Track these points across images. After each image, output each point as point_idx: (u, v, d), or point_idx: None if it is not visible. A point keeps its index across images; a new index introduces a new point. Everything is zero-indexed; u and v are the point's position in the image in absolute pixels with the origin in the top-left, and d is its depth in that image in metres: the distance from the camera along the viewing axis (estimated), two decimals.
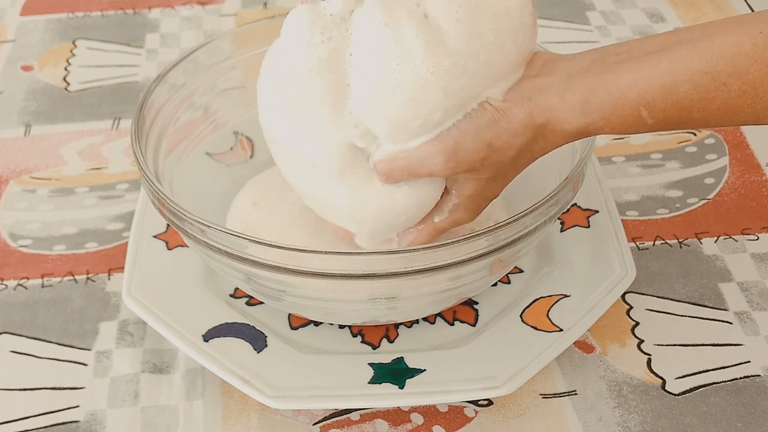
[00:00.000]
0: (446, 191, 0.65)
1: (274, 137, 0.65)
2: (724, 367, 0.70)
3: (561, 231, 0.77)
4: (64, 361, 0.72)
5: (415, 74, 0.60)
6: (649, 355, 0.71)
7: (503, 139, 0.60)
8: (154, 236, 0.77)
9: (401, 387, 0.66)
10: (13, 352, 0.73)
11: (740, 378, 0.69)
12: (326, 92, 0.61)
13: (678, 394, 0.68)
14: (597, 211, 0.78)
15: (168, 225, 0.75)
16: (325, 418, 0.68)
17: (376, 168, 0.63)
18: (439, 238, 0.67)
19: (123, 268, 0.76)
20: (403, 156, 0.62)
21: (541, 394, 0.69)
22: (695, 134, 0.91)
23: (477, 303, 0.73)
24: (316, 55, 0.61)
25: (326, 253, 0.62)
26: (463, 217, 0.66)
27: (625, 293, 0.75)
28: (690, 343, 0.72)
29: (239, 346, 0.68)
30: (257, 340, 0.69)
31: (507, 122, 0.60)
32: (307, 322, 0.72)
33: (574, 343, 0.71)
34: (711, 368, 0.70)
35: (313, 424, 0.67)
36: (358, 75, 0.61)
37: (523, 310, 0.71)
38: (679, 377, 0.70)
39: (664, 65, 0.56)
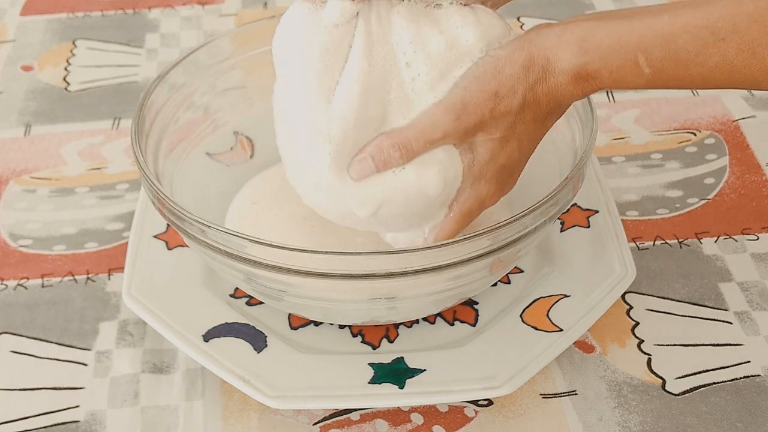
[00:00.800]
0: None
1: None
2: (724, 367, 0.70)
3: (561, 231, 0.77)
4: (64, 361, 0.72)
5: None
6: (649, 355, 0.71)
7: (508, 85, 0.60)
8: (154, 236, 0.77)
9: (401, 387, 0.66)
10: (13, 352, 0.73)
11: (740, 378, 0.69)
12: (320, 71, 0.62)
13: (678, 394, 0.68)
14: (597, 211, 0.78)
15: (168, 225, 0.75)
16: (325, 418, 0.68)
17: (389, 145, 0.62)
18: (470, 225, 0.66)
19: (123, 268, 0.76)
20: (413, 124, 0.61)
21: (541, 394, 0.69)
22: (695, 134, 0.91)
23: (477, 303, 0.73)
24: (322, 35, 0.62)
25: (326, 253, 0.62)
26: (485, 190, 0.64)
27: (625, 293, 0.75)
28: (690, 343, 0.72)
29: (239, 346, 0.68)
30: (257, 340, 0.69)
31: (510, 67, 0.60)
32: (307, 322, 0.72)
33: (574, 343, 0.71)
34: (711, 368, 0.70)
35: (313, 424, 0.67)
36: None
37: (523, 310, 0.71)
38: (679, 377, 0.70)
39: (665, 18, 0.57)
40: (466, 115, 0.61)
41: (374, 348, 0.70)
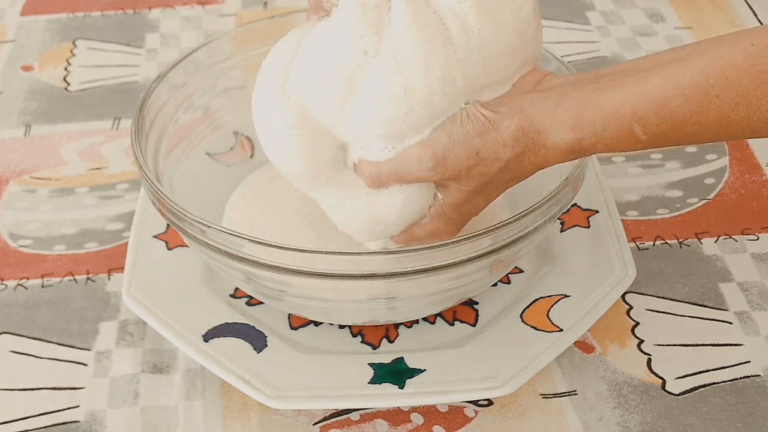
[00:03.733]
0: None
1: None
2: (724, 367, 0.70)
3: (561, 231, 0.77)
4: (64, 361, 0.72)
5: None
6: (649, 355, 0.71)
7: (492, 149, 0.60)
8: (154, 236, 0.77)
9: (401, 387, 0.66)
10: (13, 352, 0.73)
11: (740, 378, 0.69)
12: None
13: (678, 394, 0.68)
14: (597, 211, 0.78)
15: (168, 225, 0.75)
16: (325, 418, 0.68)
17: (359, 169, 0.63)
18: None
19: (123, 268, 0.76)
20: (391, 160, 0.62)
21: (541, 394, 0.69)
22: None
23: (477, 303, 0.73)
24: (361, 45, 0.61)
25: (326, 253, 0.62)
26: (440, 228, 0.65)
27: (625, 293, 0.75)
28: (690, 343, 0.72)
29: (239, 346, 0.68)
30: (257, 340, 0.69)
31: (497, 133, 0.59)
32: (307, 322, 0.72)
33: (574, 343, 0.71)
34: (711, 368, 0.70)
35: (313, 424, 0.67)
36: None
37: (523, 310, 0.71)
38: (679, 377, 0.70)
39: (655, 81, 0.56)
40: (443, 167, 0.61)
41: (374, 348, 0.70)
